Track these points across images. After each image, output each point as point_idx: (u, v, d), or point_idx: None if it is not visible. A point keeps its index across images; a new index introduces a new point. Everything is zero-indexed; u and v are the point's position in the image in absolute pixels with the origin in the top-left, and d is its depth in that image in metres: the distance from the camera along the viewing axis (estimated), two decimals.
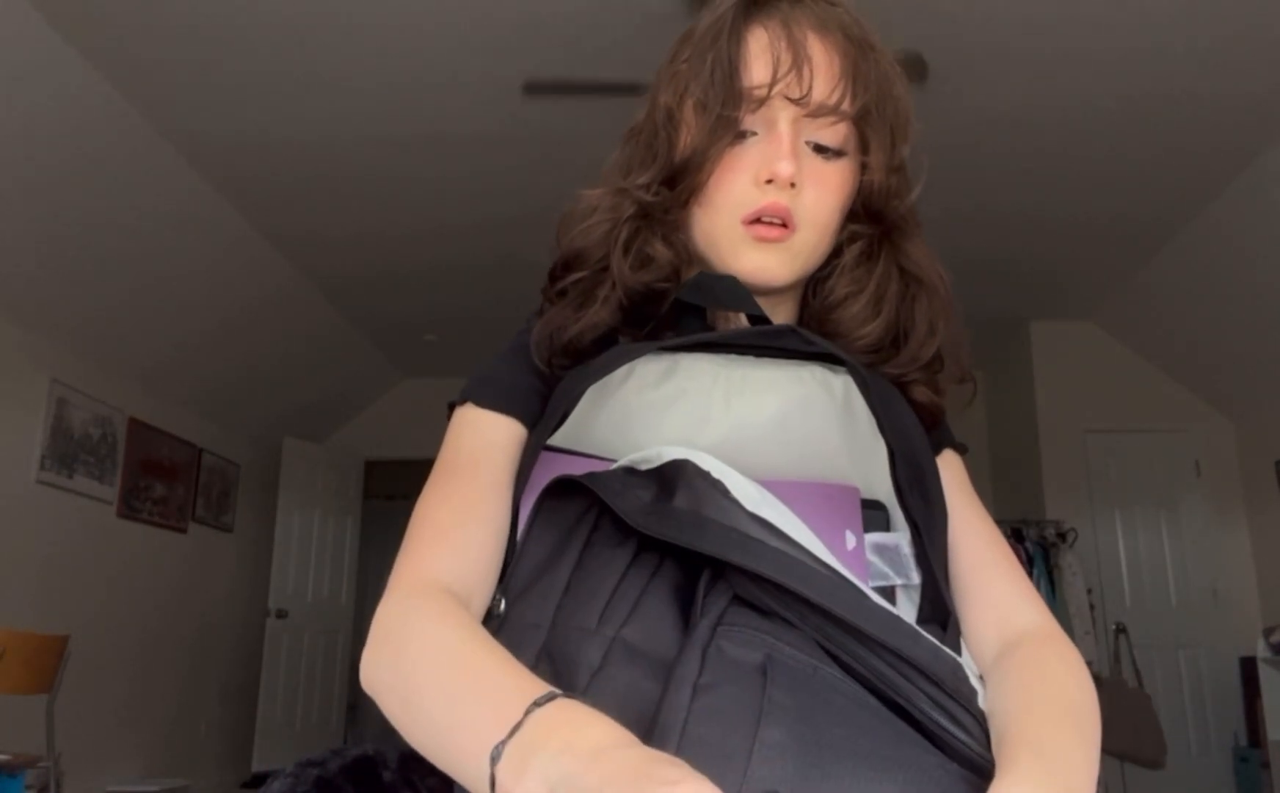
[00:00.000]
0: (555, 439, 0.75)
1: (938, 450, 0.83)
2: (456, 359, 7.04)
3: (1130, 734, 4.84)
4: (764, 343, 0.74)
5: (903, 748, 0.54)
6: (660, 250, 0.79)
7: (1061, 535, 5.72)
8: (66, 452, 4.94)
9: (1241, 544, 6.03)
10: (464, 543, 0.69)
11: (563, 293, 0.82)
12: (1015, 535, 5.58)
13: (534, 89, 3.76)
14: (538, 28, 3.61)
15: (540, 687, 0.52)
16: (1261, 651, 5.19)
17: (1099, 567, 6.02)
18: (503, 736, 0.49)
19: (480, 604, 0.68)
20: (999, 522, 0.78)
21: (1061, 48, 3.70)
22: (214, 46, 3.70)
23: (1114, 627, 5.88)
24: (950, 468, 0.83)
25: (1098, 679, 4.90)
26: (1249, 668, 5.51)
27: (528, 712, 0.49)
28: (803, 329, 0.75)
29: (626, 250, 0.79)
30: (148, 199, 4.54)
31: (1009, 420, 6.56)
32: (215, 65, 3.82)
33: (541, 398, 0.78)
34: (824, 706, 0.54)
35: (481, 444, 0.75)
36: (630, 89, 3.41)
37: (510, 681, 0.53)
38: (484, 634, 0.60)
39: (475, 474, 0.73)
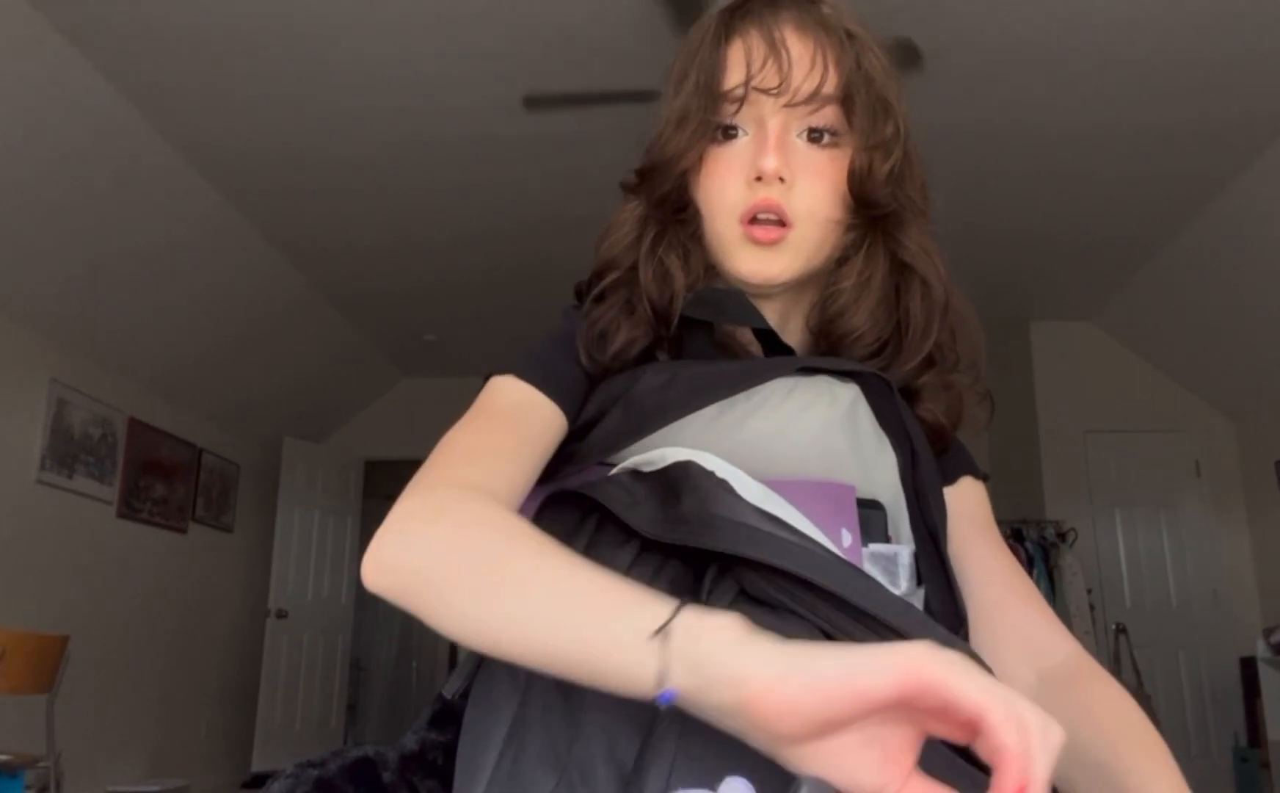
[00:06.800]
0: (580, 447, 0.76)
1: (955, 477, 0.84)
2: (456, 359, 7.05)
3: None
4: (769, 373, 0.76)
5: None
6: (676, 266, 0.81)
7: (1061, 535, 5.72)
8: (66, 452, 4.93)
9: (1241, 544, 6.03)
10: (500, 472, 0.67)
11: (600, 298, 0.83)
12: (1015, 535, 5.58)
13: (534, 103, 3.85)
14: (536, 40, 3.61)
15: (624, 588, 0.52)
16: (1261, 651, 5.19)
17: (1099, 567, 6.02)
18: (661, 617, 0.48)
19: None
20: (999, 522, 0.79)
21: (1062, 53, 3.70)
22: (221, 57, 3.71)
23: (1114, 627, 5.88)
24: (971, 497, 0.84)
25: None
26: (1249, 668, 5.51)
27: (680, 606, 0.49)
28: (810, 357, 0.78)
29: (651, 256, 0.82)
30: (151, 203, 4.54)
31: (1009, 420, 6.56)
32: (221, 75, 3.82)
33: (584, 394, 0.79)
34: None
35: (525, 407, 0.75)
36: (633, 96, 3.43)
37: (600, 581, 0.53)
38: (541, 534, 0.59)
39: (515, 426, 0.72)
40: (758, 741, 0.45)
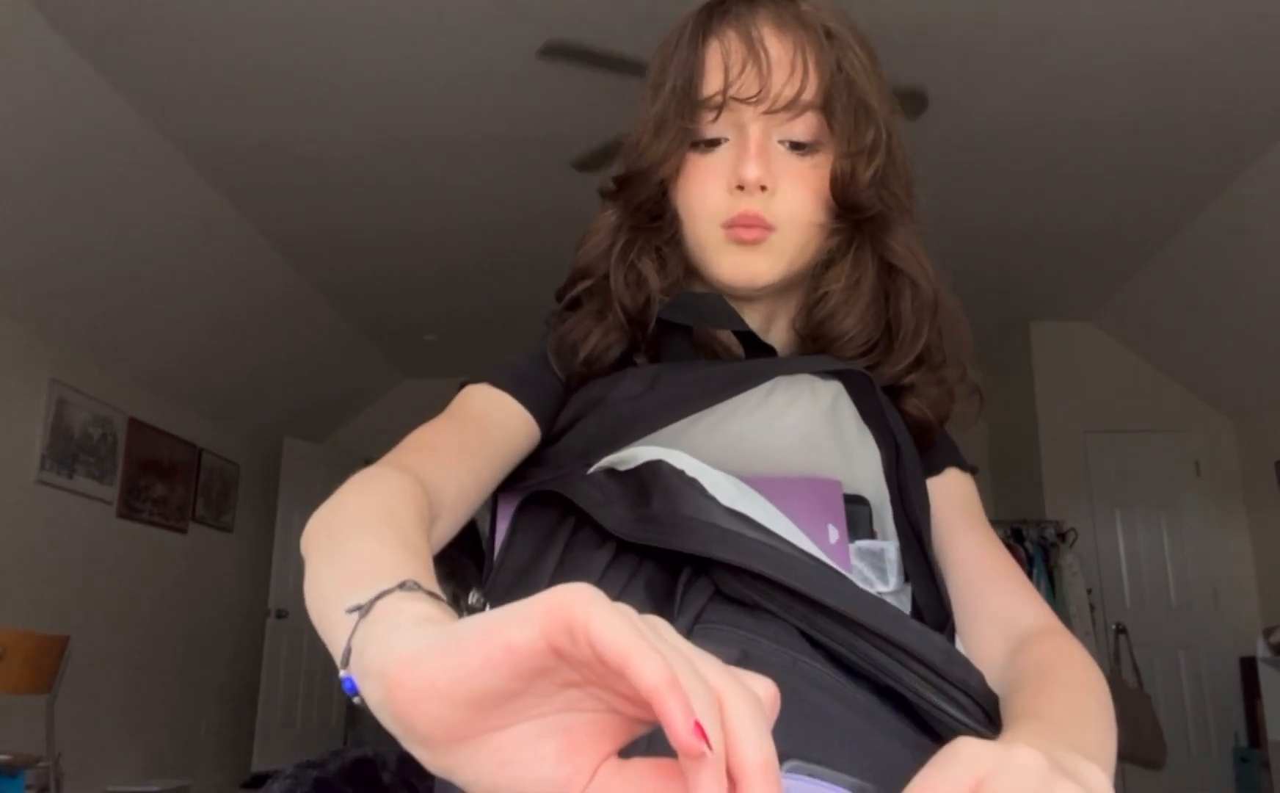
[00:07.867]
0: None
1: (940, 468, 0.83)
2: (456, 359, 7.04)
3: (1130, 734, 4.84)
4: (748, 382, 0.75)
5: (871, 741, 0.53)
6: (650, 270, 0.80)
7: (1061, 535, 5.72)
8: (66, 452, 4.93)
9: (1241, 544, 6.03)
10: (448, 469, 0.66)
11: (574, 304, 0.83)
12: (1015, 535, 5.58)
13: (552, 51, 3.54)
14: (538, 32, 3.61)
15: (400, 573, 0.45)
16: (1261, 651, 5.19)
17: (1099, 567, 6.02)
18: (374, 594, 0.43)
19: (446, 528, 0.66)
20: (999, 522, 0.78)
21: (1062, 52, 3.70)
22: (219, 53, 3.70)
23: (1114, 627, 5.88)
24: (954, 487, 0.82)
25: None
26: (1249, 668, 5.51)
27: (377, 596, 0.43)
28: (788, 358, 0.78)
29: (622, 262, 0.80)
30: (151, 201, 4.54)
31: (1009, 420, 6.56)
32: (219, 71, 3.82)
33: (559, 403, 0.78)
34: (796, 702, 0.52)
35: (494, 413, 0.75)
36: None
37: (378, 562, 0.48)
38: (405, 518, 0.55)
39: (480, 430, 0.73)
40: (421, 755, 0.36)
